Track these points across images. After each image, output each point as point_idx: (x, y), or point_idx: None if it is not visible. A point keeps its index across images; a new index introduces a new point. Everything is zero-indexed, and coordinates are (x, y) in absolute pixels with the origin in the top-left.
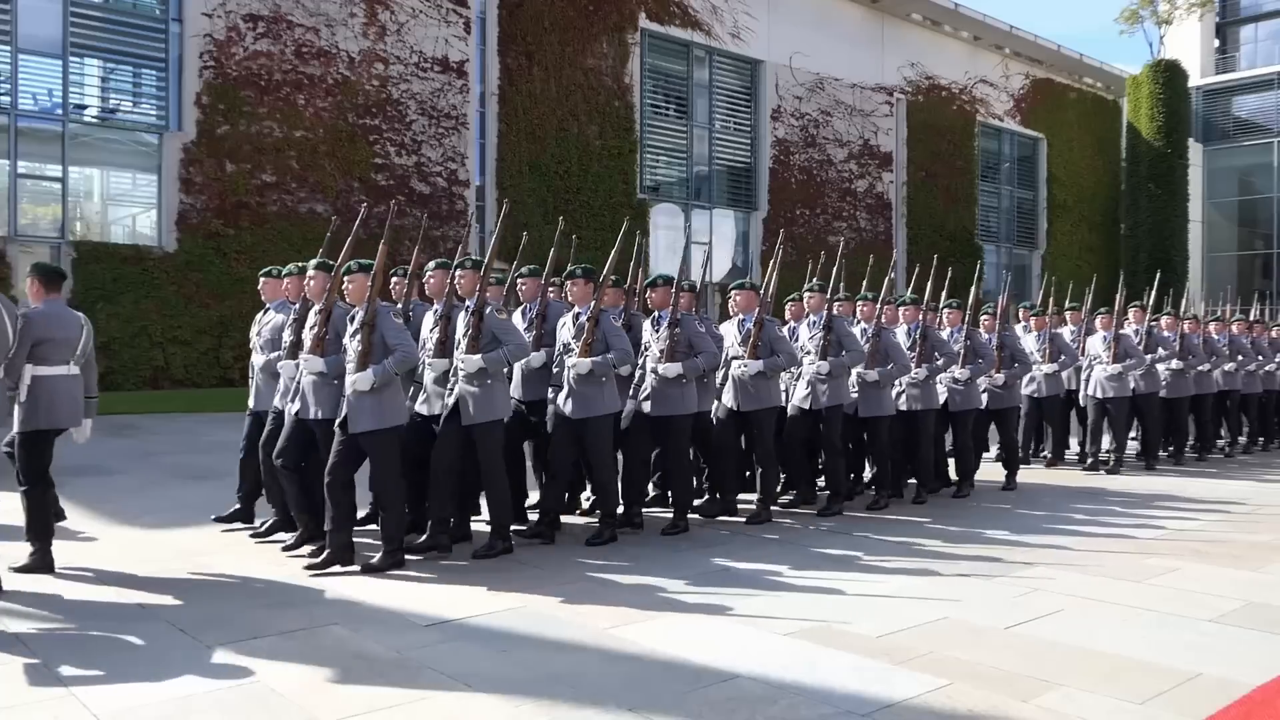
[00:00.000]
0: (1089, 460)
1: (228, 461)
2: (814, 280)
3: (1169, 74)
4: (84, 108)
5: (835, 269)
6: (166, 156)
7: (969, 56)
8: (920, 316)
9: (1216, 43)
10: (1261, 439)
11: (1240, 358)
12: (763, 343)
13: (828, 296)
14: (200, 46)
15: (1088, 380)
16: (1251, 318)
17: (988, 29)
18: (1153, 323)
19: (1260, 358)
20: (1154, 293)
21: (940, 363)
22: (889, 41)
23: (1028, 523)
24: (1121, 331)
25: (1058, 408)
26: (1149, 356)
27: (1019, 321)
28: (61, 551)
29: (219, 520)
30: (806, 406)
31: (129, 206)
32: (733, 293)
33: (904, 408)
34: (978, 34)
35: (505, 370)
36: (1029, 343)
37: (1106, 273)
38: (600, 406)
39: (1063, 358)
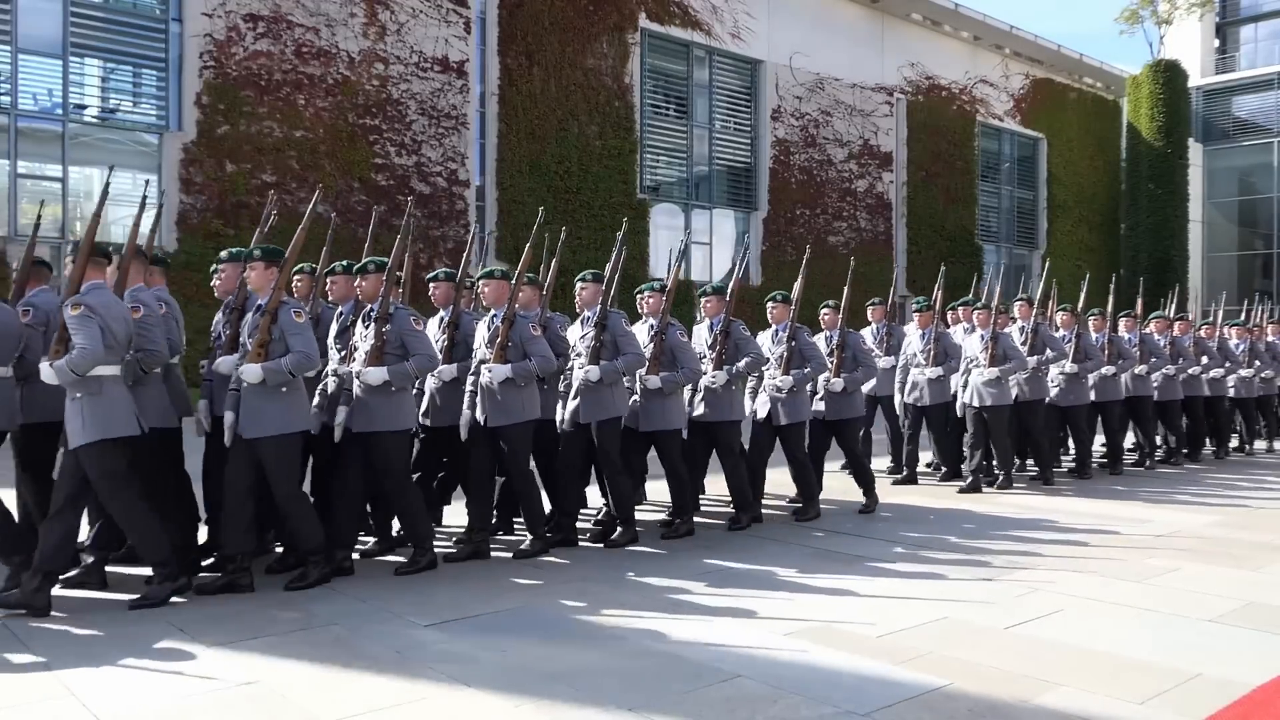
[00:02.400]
0: (969, 479)
1: None
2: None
3: (1169, 74)
4: (84, 108)
5: (801, 275)
6: (166, 156)
7: (969, 56)
8: (723, 312)
9: (1216, 43)
10: (1172, 449)
11: (1154, 359)
12: (513, 343)
13: (792, 307)
14: (200, 46)
15: (964, 386)
16: (1172, 314)
17: (988, 29)
18: (1040, 319)
19: (1181, 360)
20: (1140, 297)
21: (741, 365)
22: (889, 41)
23: (1026, 524)
24: (1002, 330)
25: (941, 416)
26: (1033, 358)
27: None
28: None
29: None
30: (579, 421)
31: (129, 206)
32: (481, 283)
33: (697, 416)
34: (978, 34)
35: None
36: (916, 342)
37: (1106, 273)
38: (384, 421)
39: (950, 360)
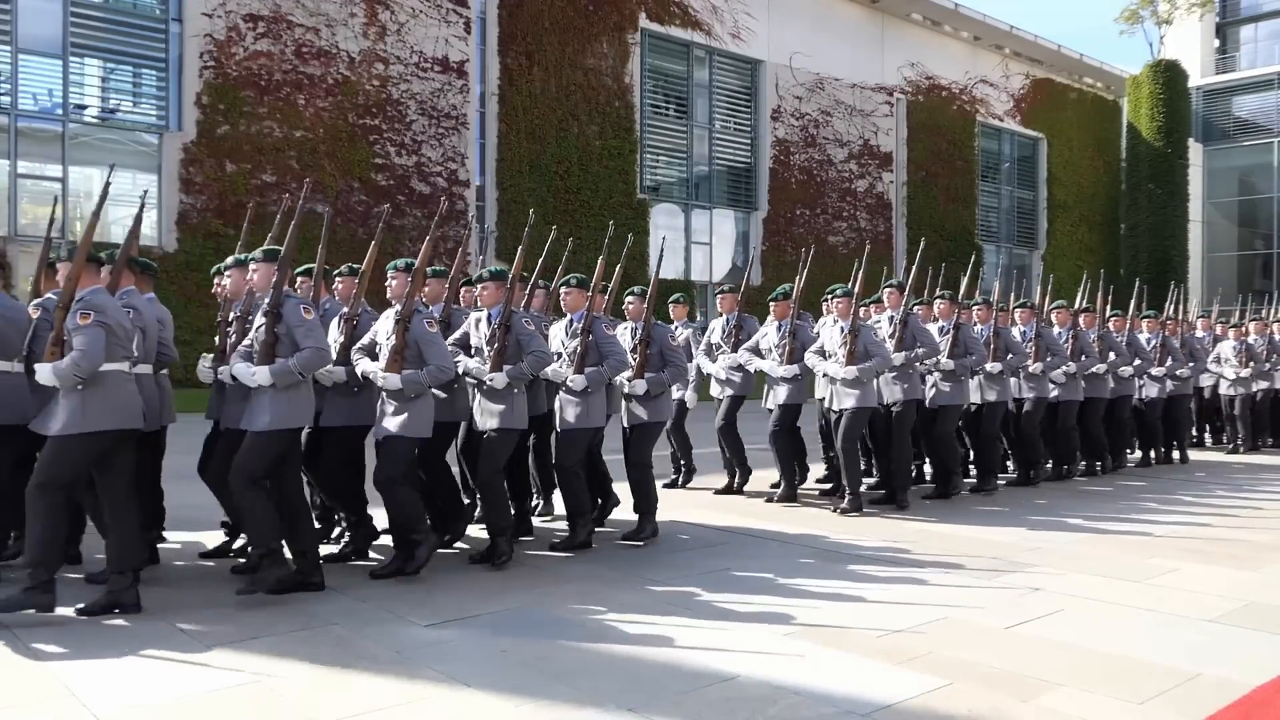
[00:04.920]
0: (843, 497)
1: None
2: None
3: (1169, 74)
4: (84, 108)
5: (654, 275)
6: (166, 156)
7: (969, 56)
8: (506, 301)
9: (1216, 43)
10: (1084, 462)
11: (1051, 357)
12: (277, 339)
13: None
14: (200, 46)
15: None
16: (1079, 305)
17: (988, 29)
18: (912, 311)
19: (1084, 357)
20: (1111, 299)
21: (525, 365)
22: (889, 41)
23: (1027, 523)
24: (865, 322)
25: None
26: (901, 354)
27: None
28: None
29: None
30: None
31: (129, 206)
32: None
33: (483, 426)
34: (978, 34)
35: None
36: (772, 336)
37: (1107, 273)
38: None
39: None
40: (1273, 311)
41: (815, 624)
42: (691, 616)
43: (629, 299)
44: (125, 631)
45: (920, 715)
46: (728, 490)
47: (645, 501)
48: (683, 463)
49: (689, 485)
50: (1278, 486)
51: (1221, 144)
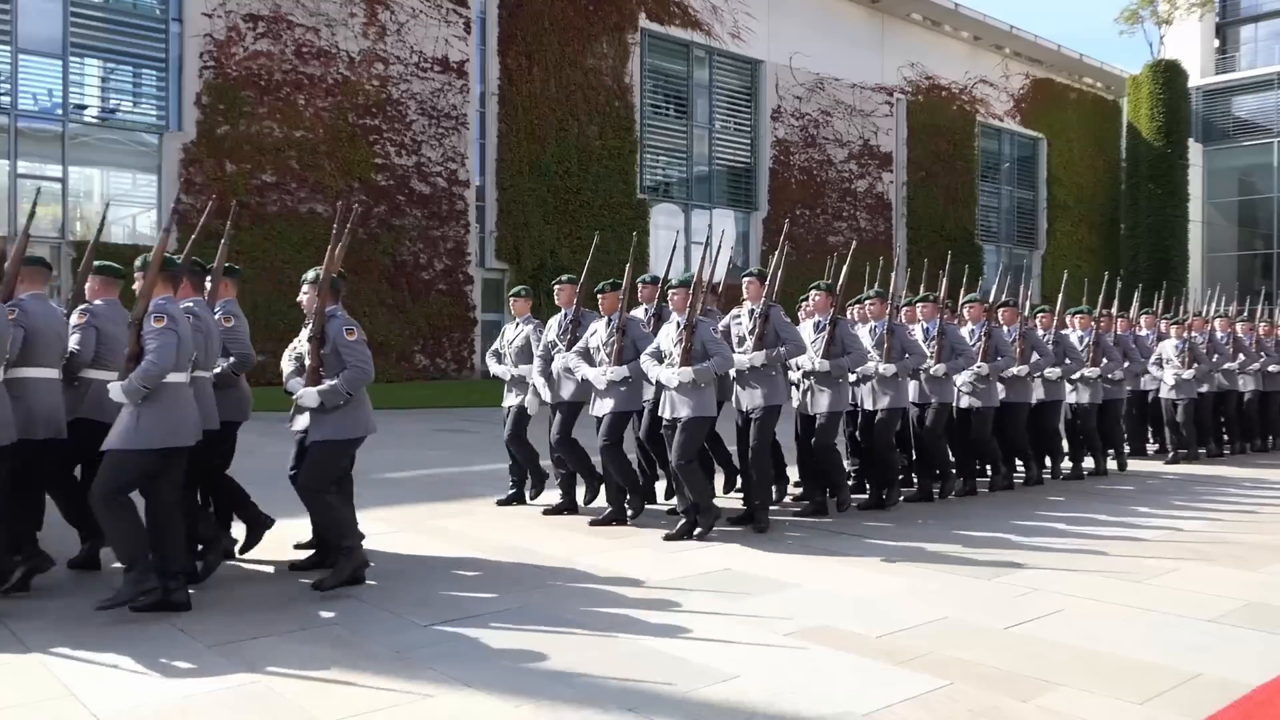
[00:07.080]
0: (680, 520)
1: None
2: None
3: (1169, 74)
4: (84, 108)
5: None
6: (166, 156)
7: (969, 56)
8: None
9: (1216, 43)
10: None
11: (959, 356)
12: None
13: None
14: (200, 46)
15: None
16: (1005, 300)
17: (988, 29)
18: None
19: (1000, 357)
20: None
21: (343, 380)
22: (889, 41)
23: (1028, 523)
24: (704, 318)
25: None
26: (760, 354)
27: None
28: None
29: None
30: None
31: (129, 206)
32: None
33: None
34: (978, 34)
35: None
36: (601, 333)
37: (1108, 273)
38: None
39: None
40: (1212, 308)
41: (815, 624)
42: (692, 616)
43: (304, 289)
44: (125, 631)
45: (920, 715)
46: (560, 510)
47: (338, 538)
48: (528, 474)
49: (537, 500)
50: (1273, 490)
51: (1221, 144)
